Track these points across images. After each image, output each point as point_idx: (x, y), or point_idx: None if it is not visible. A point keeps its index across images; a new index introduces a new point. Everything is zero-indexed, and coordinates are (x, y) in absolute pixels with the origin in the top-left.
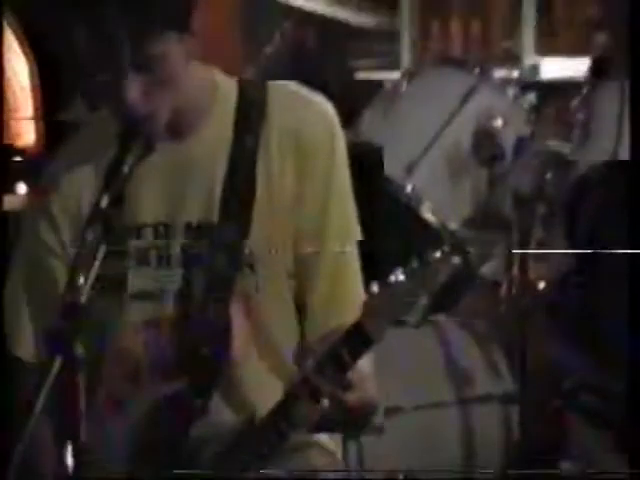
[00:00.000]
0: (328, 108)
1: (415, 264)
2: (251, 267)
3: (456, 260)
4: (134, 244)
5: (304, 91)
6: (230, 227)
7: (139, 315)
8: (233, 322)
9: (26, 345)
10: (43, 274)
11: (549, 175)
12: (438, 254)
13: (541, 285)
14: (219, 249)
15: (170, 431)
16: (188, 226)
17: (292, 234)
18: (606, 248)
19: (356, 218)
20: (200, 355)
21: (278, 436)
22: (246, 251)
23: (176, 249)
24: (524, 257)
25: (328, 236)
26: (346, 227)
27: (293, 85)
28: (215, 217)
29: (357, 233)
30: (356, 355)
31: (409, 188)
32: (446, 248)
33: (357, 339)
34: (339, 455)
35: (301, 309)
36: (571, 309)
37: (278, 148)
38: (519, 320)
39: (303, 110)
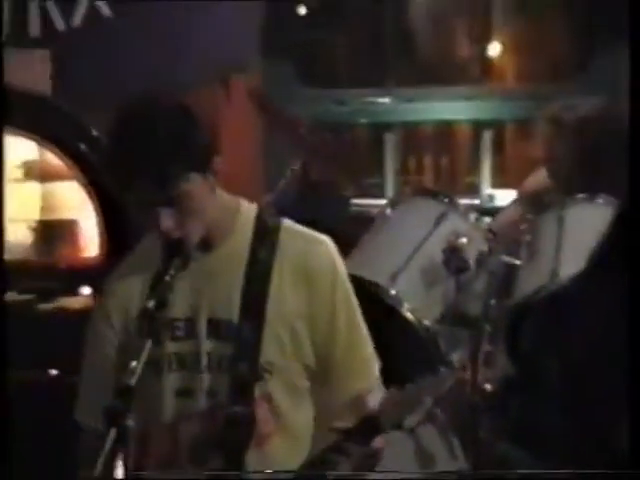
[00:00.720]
0: (328, 243)
1: (428, 375)
2: (270, 373)
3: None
4: (170, 346)
5: (308, 231)
6: (247, 327)
7: (175, 407)
8: (257, 416)
9: (87, 414)
10: (101, 359)
11: (493, 301)
12: (448, 370)
13: (487, 387)
14: (240, 357)
15: None
16: (209, 321)
17: (307, 344)
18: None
19: (363, 322)
20: (228, 442)
21: None
22: (262, 359)
23: (204, 355)
24: (475, 362)
25: (338, 341)
26: (356, 332)
27: (299, 226)
28: (233, 316)
29: (366, 338)
30: (366, 442)
31: (393, 292)
32: (453, 364)
33: (371, 430)
34: None
35: (319, 382)
36: (513, 409)
37: (290, 273)
38: (471, 415)
39: (309, 246)
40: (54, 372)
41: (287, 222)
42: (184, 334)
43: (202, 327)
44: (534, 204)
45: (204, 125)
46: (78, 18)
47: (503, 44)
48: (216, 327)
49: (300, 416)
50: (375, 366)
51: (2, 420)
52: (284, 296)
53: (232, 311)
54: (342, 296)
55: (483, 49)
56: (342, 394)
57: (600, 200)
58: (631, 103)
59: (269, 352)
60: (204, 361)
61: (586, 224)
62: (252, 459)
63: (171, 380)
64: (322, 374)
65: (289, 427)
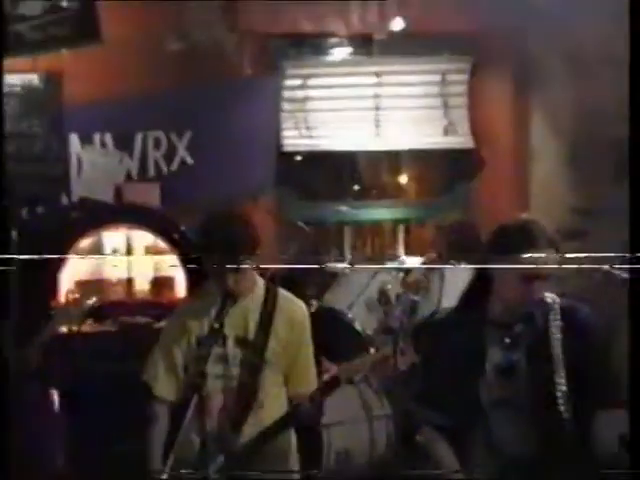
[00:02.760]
0: (302, 305)
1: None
2: (266, 368)
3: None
4: (215, 351)
5: (292, 296)
6: (258, 341)
7: (211, 386)
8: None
9: (153, 379)
10: (170, 345)
11: (405, 320)
12: (378, 354)
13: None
14: (251, 359)
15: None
16: (236, 337)
17: (286, 363)
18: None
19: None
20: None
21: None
22: (264, 359)
23: (232, 360)
24: (395, 353)
25: (303, 362)
26: (310, 359)
27: (290, 295)
28: (250, 335)
29: (313, 363)
30: (330, 392)
31: (350, 315)
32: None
33: (334, 384)
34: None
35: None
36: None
37: (286, 318)
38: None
39: (294, 305)
40: None
41: (281, 290)
42: (222, 344)
43: (231, 341)
44: (428, 266)
45: (251, 227)
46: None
47: (408, 177)
48: (240, 341)
49: (278, 396)
50: (314, 372)
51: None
52: (279, 325)
53: (250, 333)
54: (306, 335)
55: (397, 179)
56: (299, 387)
57: (462, 266)
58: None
59: (268, 356)
60: (231, 359)
61: (458, 279)
62: (251, 419)
63: (216, 369)
64: (289, 375)
65: (271, 402)
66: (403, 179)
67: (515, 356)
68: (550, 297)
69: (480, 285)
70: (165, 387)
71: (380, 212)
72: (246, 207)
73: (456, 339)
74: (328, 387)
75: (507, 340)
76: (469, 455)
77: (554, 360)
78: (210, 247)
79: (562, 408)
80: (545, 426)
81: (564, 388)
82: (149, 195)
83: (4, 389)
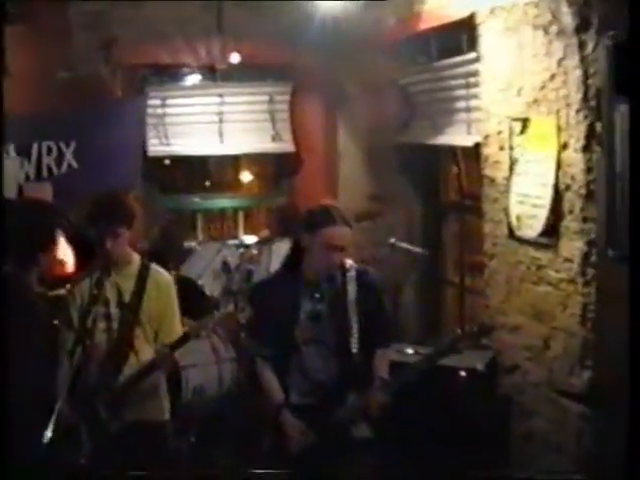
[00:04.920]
0: (167, 274)
1: (215, 314)
2: (143, 326)
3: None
4: (100, 310)
5: (160, 268)
6: (133, 303)
7: (98, 338)
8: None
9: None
10: (68, 313)
11: (243, 285)
12: (222, 313)
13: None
14: (126, 318)
15: None
16: (117, 300)
17: (157, 320)
18: None
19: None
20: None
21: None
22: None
23: (114, 318)
24: (235, 312)
25: (170, 319)
26: (176, 317)
27: (158, 267)
28: (126, 299)
29: (178, 320)
30: (185, 342)
31: (200, 282)
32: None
33: (186, 338)
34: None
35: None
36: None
37: (156, 285)
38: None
39: (162, 274)
40: None
41: (153, 263)
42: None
43: (113, 303)
44: (261, 242)
45: (128, 203)
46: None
47: (246, 175)
48: (119, 303)
49: (149, 347)
50: (179, 327)
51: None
52: (150, 291)
53: (127, 297)
54: (172, 297)
55: (237, 177)
56: (167, 339)
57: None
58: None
59: (142, 315)
60: (113, 317)
61: (282, 251)
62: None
63: (101, 325)
64: (160, 329)
65: (144, 351)
66: (242, 176)
67: (320, 306)
68: (348, 263)
69: (295, 254)
70: (64, 339)
71: (225, 202)
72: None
73: (279, 295)
74: (181, 341)
75: (317, 295)
76: (288, 380)
77: (349, 309)
78: (95, 219)
79: (354, 344)
80: (342, 358)
81: (356, 329)
82: (44, 192)
83: None
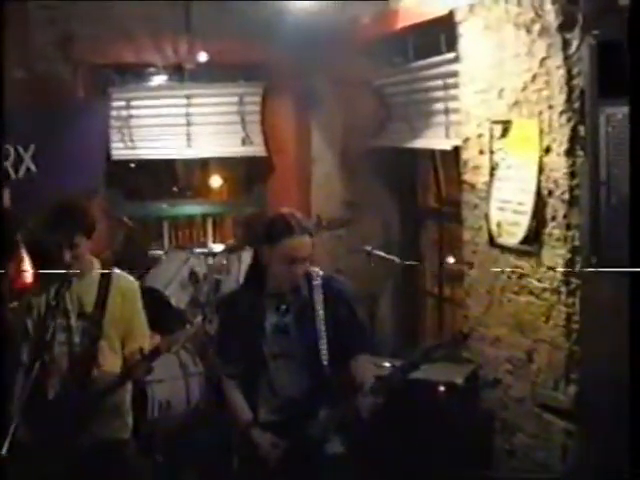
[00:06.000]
0: (134, 280)
1: (183, 329)
2: (108, 336)
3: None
4: (59, 322)
5: (124, 274)
6: (97, 312)
7: (57, 352)
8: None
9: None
10: (25, 326)
11: (211, 296)
12: (192, 327)
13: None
14: (89, 329)
15: None
16: (78, 311)
17: (122, 331)
18: None
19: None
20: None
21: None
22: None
23: (75, 330)
24: (204, 322)
25: (137, 329)
26: (144, 326)
27: (120, 272)
28: (88, 309)
29: (146, 330)
30: (154, 359)
31: (166, 293)
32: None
33: (156, 353)
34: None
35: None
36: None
37: (119, 293)
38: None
39: (125, 280)
40: None
41: (115, 269)
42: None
43: (74, 311)
44: (230, 251)
45: (87, 213)
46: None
47: (215, 180)
48: (81, 314)
49: (114, 360)
50: (147, 337)
51: None
52: (114, 300)
53: (89, 307)
54: (138, 305)
55: (206, 182)
56: (134, 351)
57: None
58: (631, 107)
59: (105, 326)
60: (74, 329)
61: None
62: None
63: (60, 337)
64: (126, 341)
65: (108, 365)
66: (211, 182)
67: (287, 319)
68: (314, 272)
69: (257, 267)
70: (21, 352)
71: (193, 208)
72: (84, 198)
73: (244, 309)
74: (151, 356)
75: (282, 307)
76: (256, 397)
77: (317, 319)
78: (53, 228)
79: (324, 356)
80: (312, 371)
81: (325, 341)
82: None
83: None
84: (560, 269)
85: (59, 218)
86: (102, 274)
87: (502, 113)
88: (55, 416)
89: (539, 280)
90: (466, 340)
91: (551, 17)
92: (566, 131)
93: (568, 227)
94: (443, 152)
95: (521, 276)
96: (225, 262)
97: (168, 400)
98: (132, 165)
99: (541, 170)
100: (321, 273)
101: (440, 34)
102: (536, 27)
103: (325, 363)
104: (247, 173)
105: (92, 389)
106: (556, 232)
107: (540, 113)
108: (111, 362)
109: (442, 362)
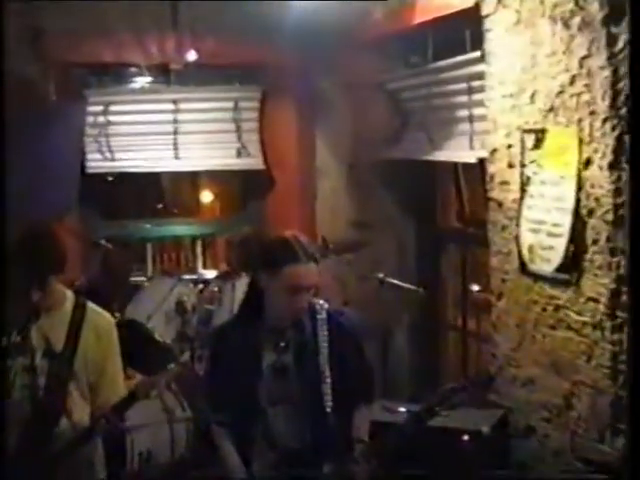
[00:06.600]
0: (108, 315)
1: (165, 370)
2: (78, 379)
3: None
4: (22, 362)
5: (99, 309)
6: (67, 351)
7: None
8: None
9: None
10: None
11: (201, 328)
12: (176, 366)
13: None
14: (59, 368)
15: None
16: (44, 349)
17: (94, 374)
18: None
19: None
20: None
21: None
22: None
23: (40, 371)
24: (192, 361)
25: (110, 373)
26: (118, 370)
27: (96, 307)
28: (57, 348)
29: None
30: (129, 408)
31: (149, 326)
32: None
33: (132, 400)
34: None
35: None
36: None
37: (93, 329)
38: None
39: (101, 317)
40: None
41: (90, 303)
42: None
43: (40, 349)
44: (223, 278)
45: (58, 245)
46: None
47: (206, 196)
48: (48, 353)
49: (84, 406)
50: (122, 382)
51: None
52: (87, 337)
53: (58, 345)
54: (113, 346)
55: (196, 198)
56: (107, 398)
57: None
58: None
59: (76, 367)
60: (38, 370)
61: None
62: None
63: (23, 379)
64: (97, 386)
65: (77, 412)
66: (201, 198)
67: (286, 358)
68: (319, 304)
69: (254, 296)
70: None
71: (180, 229)
72: (53, 225)
73: (237, 347)
74: (126, 402)
75: (281, 344)
76: (251, 450)
77: (320, 359)
78: (18, 264)
79: (328, 402)
80: (315, 420)
81: (330, 385)
82: None
83: None
84: (603, 300)
85: (23, 254)
86: (75, 307)
87: (535, 120)
88: (14, 475)
89: (579, 313)
90: (493, 381)
91: (594, 8)
92: (610, 141)
93: (612, 252)
94: (467, 165)
95: (557, 308)
96: (217, 290)
97: (149, 450)
98: (110, 179)
99: (580, 186)
100: (326, 305)
101: (464, 30)
102: (576, 20)
103: (328, 410)
104: (243, 188)
105: (58, 442)
106: (598, 258)
107: (579, 120)
108: (81, 410)
109: (466, 407)
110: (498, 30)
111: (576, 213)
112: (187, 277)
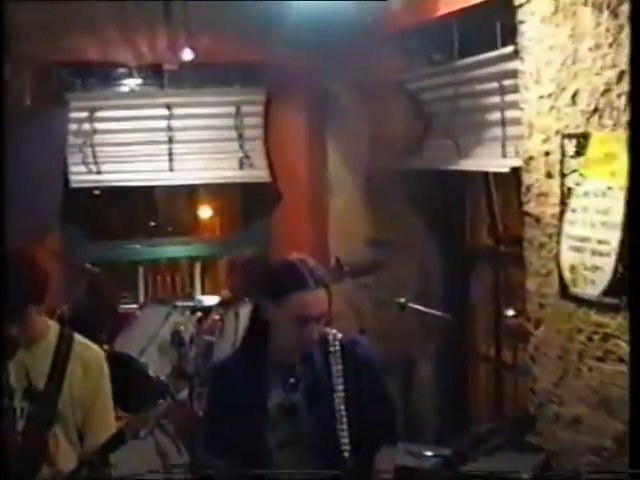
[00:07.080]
0: (97, 348)
1: (158, 405)
2: (63, 421)
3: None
4: None
5: (88, 341)
6: (50, 389)
7: None
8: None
9: None
10: None
11: (200, 361)
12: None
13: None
14: (41, 410)
15: None
16: (24, 389)
17: (81, 415)
18: None
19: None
20: None
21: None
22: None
23: (19, 413)
24: (192, 399)
25: (99, 414)
26: (108, 411)
27: (84, 339)
28: (38, 386)
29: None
30: (117, 448)
31: (143, 360)
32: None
33: (120, 440)
34: None
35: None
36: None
37: (81, 364)
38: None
39: (89, 351)
40: None
41: (77, 335)
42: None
43: (19, 389)
44: (224, 305)
45: (39, 272)
46: None
47: (204, 213)
48: (28, 393)
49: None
50: (112, 424)
51: None
52: (73, 373)
53: (40, 383)
54: (103, 383)
55: (193, 215)
56: (95, 441)
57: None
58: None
59: (60, 408)
60: (17, 413)
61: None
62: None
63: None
64: (84, 428)
65: (62, 459)
66: (199, 215)
67: (296, 396)
68: (331, 335)
69: (258, 327)
70: None
71: (176, 249)
72: (32, 249)
73: (239, 383)
74: (113, 444)
75: (290, 380)
76: None
77: (335, 396)
78: None
79: (345, 445)
80: (330, 465)
81: (345, 425)
82: None
83: None
84: None
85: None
86: (60, 338)
87: (577, 124)
88: None
89: (630, 343)
90: (534, 421)
91: None
92: None
93: None
94: (499, 175)
95: (605, 337)
96: (218, 319)
97: None
98: (97, 194)
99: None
100: (340, 336)
101: (494, 22)
102: (624, 8)
103: (346, 455)
104: (245, 204)
105: None
106: None
107: (628, 123)
108: (67, 456)
109: (503, 450)
110: (533, 21)
111: (625, 229)
112: (184, 304)
